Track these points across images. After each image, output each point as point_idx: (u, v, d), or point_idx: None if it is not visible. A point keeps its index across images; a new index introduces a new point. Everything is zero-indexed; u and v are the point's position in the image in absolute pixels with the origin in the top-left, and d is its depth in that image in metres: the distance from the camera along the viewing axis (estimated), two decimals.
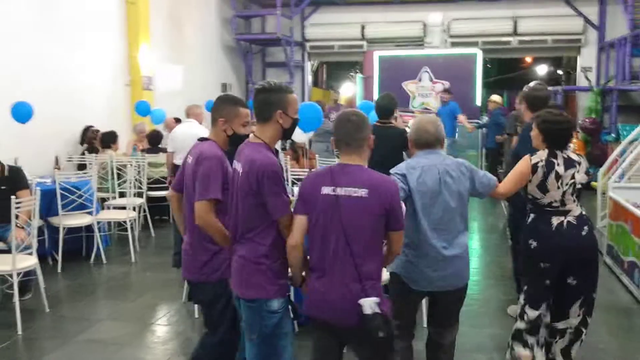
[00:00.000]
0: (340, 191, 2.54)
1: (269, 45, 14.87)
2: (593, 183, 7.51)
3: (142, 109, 8.79)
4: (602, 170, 7.13)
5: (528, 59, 20.27)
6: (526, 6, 13.54)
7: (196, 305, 4.74)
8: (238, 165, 2.73)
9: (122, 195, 7.19)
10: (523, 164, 3.50)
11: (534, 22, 13.47)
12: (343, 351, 2.75)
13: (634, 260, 5.20)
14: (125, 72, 9.71)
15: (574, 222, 3.46)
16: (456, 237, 3.10)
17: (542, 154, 3.51)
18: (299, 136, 5.50)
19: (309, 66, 15.48)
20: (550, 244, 3.44)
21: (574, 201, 3.49)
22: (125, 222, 6.56)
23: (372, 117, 7.78)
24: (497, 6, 13.69)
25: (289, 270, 2.72)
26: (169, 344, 4.42)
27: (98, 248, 6.33)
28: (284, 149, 8.30)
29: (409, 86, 14.08)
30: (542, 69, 22.29)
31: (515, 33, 13.66)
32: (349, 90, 18.17)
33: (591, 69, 13.61)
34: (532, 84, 4.68)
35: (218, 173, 2.90)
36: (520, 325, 3.61)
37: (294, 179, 6.11)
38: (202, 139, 3.11)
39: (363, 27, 14.41)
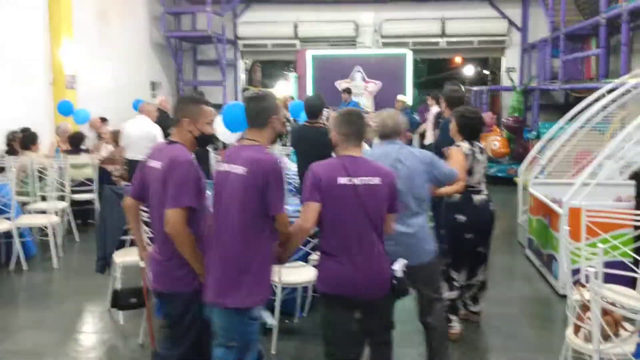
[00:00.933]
0: (357, 181, 2.84)
1: (200, 43, 14.63)
2: (515, 179, 7.82)
3: (65, 109, 8.44)
4: (522, 166, 7.43)
5: (458, 60, 20.84)
6: (453, 8, 13.95)
7: (121, 312, 4.60)
8: (234, 167, 2.77)
9: (43, 198, 6.89)
10: (459, 154, 4.11)
11: (461, 23, 13.89)
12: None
13: (553, 253, 5.44)
14: (48, 69, 9.31)
15: (487, 200, 4.26)
16: (409, 217, 3.37)
17: (465, 144, 4.18)
18: (228, 137, 5.42)
19: (241, 65, 15.34)
20: (477, 218, 4.18)
21: (484, 183, 4.29)
22: (46, 227, 6.27)
23: (304, 118, 7.81)
24: (426, 8, 14.02)
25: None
26: (93, 352, 4.27)
27: (18, 254, 6.03)
28: (216, 149, 8.18)
29: (342, 85, 14.19)
30: (469, 70, 23.02)
31: (443, 34, 14.04)
32: (284, 89, 18.20)
33: (515, 69, 14.20)
34: (449, 85, 5.49)
35: (192, 179, 2.81)
36: (453, 294, 4.27)
37: None
38: (170, 142, 2.97)
39: (296, 26, 14.42)
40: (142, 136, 6.94)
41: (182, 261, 2.84)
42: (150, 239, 3.13)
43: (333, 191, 2.84)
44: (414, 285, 3.51)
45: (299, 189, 5.97)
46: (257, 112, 2.89)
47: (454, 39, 14.03)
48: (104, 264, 4.81)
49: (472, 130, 4.22)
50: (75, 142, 7.86)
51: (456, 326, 4.31)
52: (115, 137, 8.54)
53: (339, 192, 2.84)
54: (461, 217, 4.15)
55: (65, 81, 9.30)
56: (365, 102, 13.95)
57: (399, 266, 2.92)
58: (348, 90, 11.66)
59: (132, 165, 6.99)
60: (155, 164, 2.89)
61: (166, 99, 9.97)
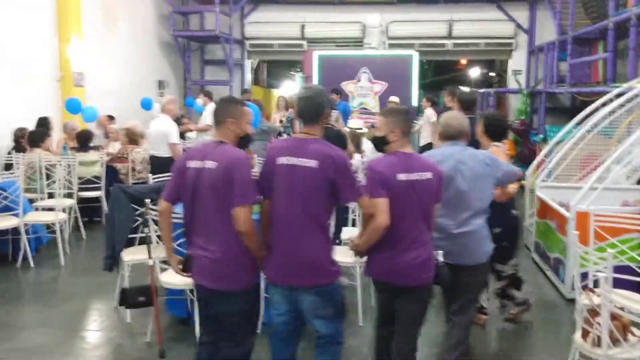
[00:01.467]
0: (414, 176, 3.06)
1: (208, 43, 14.68)
2: (522, 182, 7.79)
3: (73, 107, 8.47)
4: (529, 169, 7.42)
5: (463, 61, 20.80)
6: (461, 10, 13.94)
7: (128, 311, 4.61)
8: (304, 161, 2.90)
9: (51, 196, 6.93)
10: (502, 153, 4.20)
11: (468, 25, 13.89)
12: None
13: (559, 257, 5.44)
14: (55, 67, 9.35)
15: None
16: (470, 217, 3.42)
17: (501, 145, 4.34)
18: None
19: (248, 64, 15.36)
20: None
21: None
22: (53, 224, 6.29)
23: None
24: (433, 10, 14.03)
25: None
26: (99, 350, 4.29)
27: (25, 251, 6.06)
28: None
29: (348, 86, 14.19)
30: (475, 72, 22.97)
31: (450, 36, 14.04)
32: (290, 90, 18.16)
33: (521, 71, 14.17)
34: (450, 88, 5.88)
35: (251, 176, 2.97)
36: (502, 283, 4.54)
37: None
38: (220, 143, 3.01)
39: (303, 27, 14.45)
40: (158, 133, 7.13)
41: (246, 258, 2.96)
42: (188, 237, 3.09)
43: (393, 187, 3.03)
44: (462, 285, 3.51)
45: None
46: (313, 109, 3.03)
47: (461, 41, 14.02)
48: (112, 262, 4.81)
49: (499, 132, 4.37)
50: (83, 140, 7.86)
51: (513, 308, 4.63)
52: (128, 134, 8.48)
53: (398, 187, 3.04)
54: (515, 212, 4.47)
55: (73, 78, 9.33)
56: (371, 103, 14.00)
57: (440, 254, 3.20)
58: (336, 91, 11.66)
59: (153, 161, 7.23)
60: (210, 165, 2.91)
61: (174, 99, 9.99)
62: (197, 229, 3.00)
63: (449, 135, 3.54)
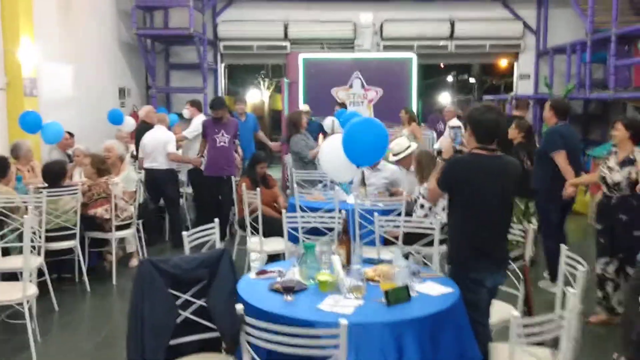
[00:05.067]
0: None
1: (174, 44, 12.62)
2: None
3: (30, 123, 6.23)
4: None
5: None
6: (463, 8, 12.55)
7: None
8: None
9: (5, 252, 4.83)
10: None
11: (472, 25, 12.49)
12: None
13: None
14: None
15: None
16: None
17: None
18: (347, 173, 3.53)
19: (222, 69, 13.37)
20: None
21: None
22: (20, 304, 4.14)
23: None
24: (433, 8, 12.55)
25: None
26: None
27: None
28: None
29: (339, 93, 12.57)
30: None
31: (452, 37, 12.60)
32: (254, 98, 16.25)
33: (529, 76, 12.93)
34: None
35: None
36: None
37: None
38: None
39: (286, 26, 12.63)
40: (157, 143, 6.99)
41: None
42: None
43: None
44: None
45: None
46: None
47: (464, 42, 12.60)
48: None
49: None
50: (55, 177, 5.52)
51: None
52: (94, 163, 6.18)
53: None
54: None
55: (24, 86, 7.13)
56: (365, 112, 12.42)
57: None
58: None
59: (153, 174, 7.01)
60: None
61: (152, 110, 8.02)
62: None
63: None
